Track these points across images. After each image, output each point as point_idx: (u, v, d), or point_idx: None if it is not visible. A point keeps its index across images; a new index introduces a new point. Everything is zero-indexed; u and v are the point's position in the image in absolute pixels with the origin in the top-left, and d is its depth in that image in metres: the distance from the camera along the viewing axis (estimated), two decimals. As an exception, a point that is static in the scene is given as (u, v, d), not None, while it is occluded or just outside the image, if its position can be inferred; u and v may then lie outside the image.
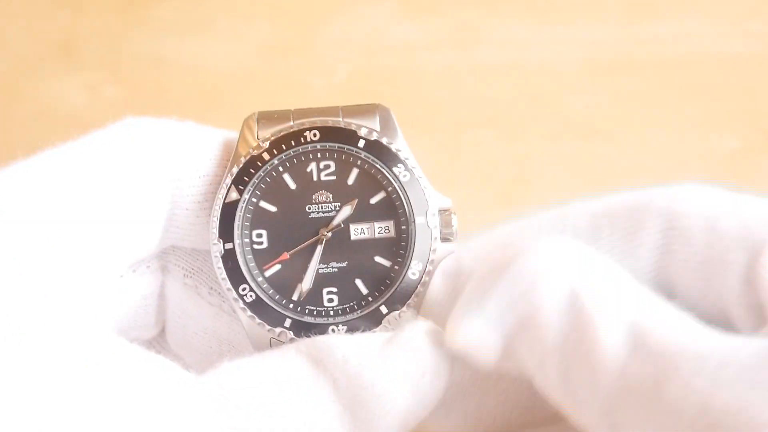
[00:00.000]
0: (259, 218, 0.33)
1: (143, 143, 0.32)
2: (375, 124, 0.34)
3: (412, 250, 0.33)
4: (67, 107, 0.65)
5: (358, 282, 0.33)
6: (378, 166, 0.34)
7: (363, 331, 0.33)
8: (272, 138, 0.33)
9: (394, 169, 0.34)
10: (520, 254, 0.29)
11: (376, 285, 0.33)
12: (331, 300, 0.33)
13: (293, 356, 0.29)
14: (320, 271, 0.33)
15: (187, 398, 0.27)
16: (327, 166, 0.34)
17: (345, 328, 0.33)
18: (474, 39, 0.67)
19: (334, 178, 0.34)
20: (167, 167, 0.32)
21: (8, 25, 0.70)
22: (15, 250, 0.28)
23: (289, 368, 0.28)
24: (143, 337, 0.36)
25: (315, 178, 0.34)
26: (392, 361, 0.29)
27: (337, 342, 0.29)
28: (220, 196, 0.33)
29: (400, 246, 0.34)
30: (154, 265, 0.34)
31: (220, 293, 0.35)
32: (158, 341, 0.37)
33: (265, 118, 0.34)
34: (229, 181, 0.33)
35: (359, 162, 0.34)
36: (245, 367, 0.28)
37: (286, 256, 0.33)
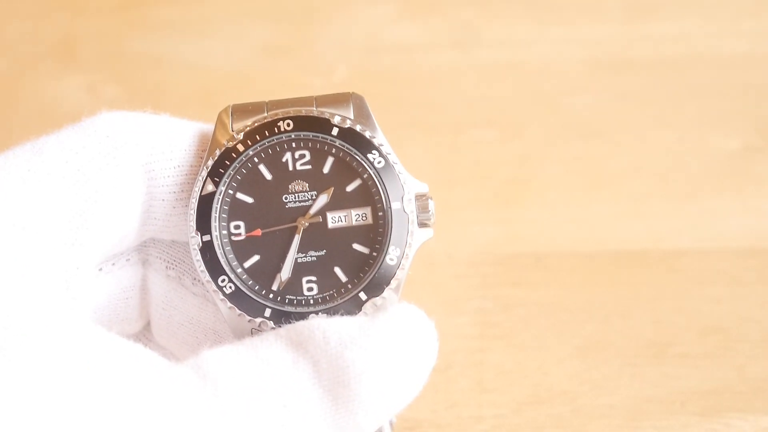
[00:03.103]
0: (236, 210, 0.33)
1: (115, 135, 0.32)
2: (349, 112, 0.34)
3: (389, 236, 0.33)
4: (67, 107, 0.65)
5: (337, 270, 0.33)
6: (353, 153, 0.34)
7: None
8: (246, 129, 0.33)
9: (369, 156, 0.34)
10: None
11: (355, 272, 0.33)
12: (310, 289, 0.33)
13: (273, 340, 0.29)
14: (299, 260, 0.33)
15: (166, 384, 0.27)
16: (302, 156, 0.34)
17: (325, 316, 0.33)
18: (474, 39, 0.67)
19: (309, 167, 0.34)
20: (140, 158, 0.32)
21: (8, 25, 0.70)
22: None
23: (269, 351, 0.28)
24: (127, 331, 0.36)
25: (291, 168, 0.34)
26: (374, 342, 0.29)
27: (317, 324, 0.29)
28: (197, 188, 0.33)
29: (377, 232, 0.34)
30: (134, 258, 0.34)
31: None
32: (144, 335, 0.37)
33: (239, 110, 0.34)
34: (204, 173, 0.33)
35: (334, 150, 0.34)
36: (225, 353, 0.28)
37: (258, 232, 0.33)
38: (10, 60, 0.68)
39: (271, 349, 0.29)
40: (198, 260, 0.33)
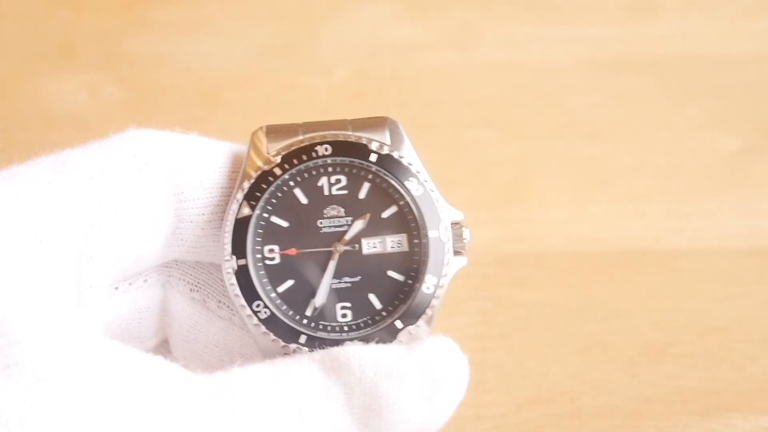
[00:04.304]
0: (270, 233, 0.33)
1: (143, 154, 0.32)
2: (385, 137, 0.34)
3: (426, 265, 0.33)
4: (67, 107, 0.65)
5: (372, 297, 0.33)
6: (390, 180, 0.33)
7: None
8: (284, 153, 0.33)
9: (407, 183, 0.33)
10: None
11: (390, 299, 0.33)
12: (344, 315, 0.33)
13: (306, 363, 0.29)
14: (333, 286, 0.33)
15: (193, 398, 0.27)
16: (338, 180, 0.33)
17: (360, 343, 0.32)
18: (474, 39, 0.67)
19: (345, 192, 0.33)
20: (168, 179, 0.32)
21: (8, 25, 0.70)
22: (7, 256, 0.28)
23: (302, 374, 0.28)
24: (139, 349, 0.36)
25: (326, 192, 0.33)
26: (410, 373, 0.29)
27: (354, 351, 0.29)
28: (232, 211, 0.32)
29: (413, 260, 0.33)
30: (152, 279, 0.34)
31: (229, 306, 0.34)
32: (160, 351, 0.36)
33: (274, 131, 0.34)
34: (240, 196, 0.32)
35: (371, 176, 0.33)
36: (256, 371, 0.28)
37: (294, 251, 0.33)
38: (10, 60, 0.68)
39: (303, 372, 0.28)
40: (232, 284, 0.32)
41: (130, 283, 0.33)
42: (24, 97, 0.66)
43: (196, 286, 0.34)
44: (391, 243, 0.34)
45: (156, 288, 0.34)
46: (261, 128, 0.34)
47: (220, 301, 0.34)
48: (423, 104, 0.64)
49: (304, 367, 0.28)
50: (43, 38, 0.69)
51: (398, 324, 0.33)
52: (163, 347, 0.36)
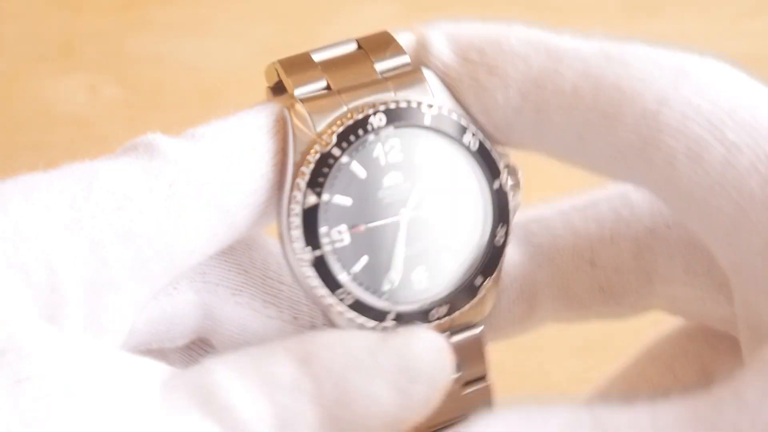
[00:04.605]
0: (336, 215, 0.31)
1: (178, 183, 0.29)
2: (426, 91, 0.32)
3: (494, 217, 0.32)
4: (67, 107, 0.65)
5: (446, 259, 0.32)
6: (446, 139, 0.32)
7: (461, 305, 0.32)
8: (338, 130, 0.31)
9: (463, 140, 0.32)
10: None
11: (463, 258, 0.32)
12: (421, 282, 0.32)
13: (280, 355, 0.28)
14: (406, 254, 0.32)
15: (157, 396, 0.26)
16: (392, 147, 0.32)
17: (447, 307, 0.31)
18: (474, 39, 0.67)
19: (401, 158, 0.32)
20: (209, 200, 0.29)
21: (8, 25, 0.70)
22: (17, 277, 0.27)
23: (272, 367, 0.28)
24: (167, 348, 0.34)
25: (383, 162, 0.32)
26: (381, 366, 0.28)
27: (326, 342, 0.28)
28: (297, 201, 0.30)
29: (479, 215, 0.33)
30: (183, 286, 0.32)
31: (275, 304, 0.33)
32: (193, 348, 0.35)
33: (315, 109, 0.31)
34: (303, 184, 0.30)
35: (425, 138, 0.32)
36: (227, 364, 0.27)
37: (362, 227, 0.31)
38: (10, 60, 0.68)
39: (275, 364, 0.28)
40: (310, 277, 0.30)
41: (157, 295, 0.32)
42: (24, 97, 0.66)
43: (237, 289, 0.33)
44: (456, 202, 0.33)
45: (188, 294, 0.32)
46: (297, 101, 0.32)
47: (264, 300, 0.33)
48: (423, 104, 0.64)
49: (276, 360, 0.28)
50: (43, 38, 0.69)
51: (476, 281, 0.32)
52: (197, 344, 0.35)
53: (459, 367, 0.32)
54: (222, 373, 0.27)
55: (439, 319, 0.31)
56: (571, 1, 0.68)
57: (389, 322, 0.31)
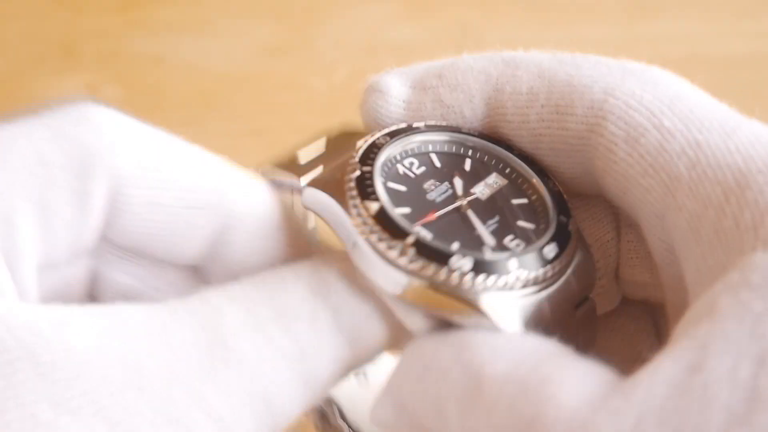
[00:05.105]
0: (395, 196, 0.32)
1: (97, 147, 0.30)
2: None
3: (530, 173, 0.33)
4: (67, 107, 0.65)
5: (521, 223, 0.33)
6: (448, 137, 0.34)
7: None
8: (358, 154, 0.32)
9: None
10: (426, 344, 0.28)
11: (536, 218, 0.33)
12: (518, 244, 0.32)
13: (292, 284, 0.28)
14: (489, 230, 0.32)
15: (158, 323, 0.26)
16: (411, 163, 0.34)
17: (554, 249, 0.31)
18: (474, 39, 0.67)
19: (424, 169, 0.33)
20: (110, 181, 0.30)
21: (8, 25, 0.70)
22: None
23: (287, 300, 0.28)
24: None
25: (412, 175, 0.33)
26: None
27: (337, 272, 0.29)
28: (362, 215, 0.31)
29: (518, 183, 0.33)
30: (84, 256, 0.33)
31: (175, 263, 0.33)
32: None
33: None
34: (357, 200, 0.31)
35: (431, 146, 0.34)
36: (237, 291, 0.28)
37: (433, 215, 0.32)
38: (10, 60, 0.68)
39: (289, 297, 0.28)
40: (425, 266, 0.30)
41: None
42: (24, 97, 0.66)
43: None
44: (492, 180, 0.34)
45: (86, 261, 0.32)
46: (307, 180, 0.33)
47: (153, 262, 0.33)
48: (423, 104, 0.64)
49: (290, 292, 0.28)
50: (43, 38, 0.69)
51: (562, 218, 0.33)
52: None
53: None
54: (231, 314, 0.27)
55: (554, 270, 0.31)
56: (571, 1, 0.68)
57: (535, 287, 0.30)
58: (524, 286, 0.30)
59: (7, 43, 0.69)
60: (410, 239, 0.31)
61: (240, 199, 0.32)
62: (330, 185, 0.32)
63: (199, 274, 0.33)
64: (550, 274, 0.30)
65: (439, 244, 0.31)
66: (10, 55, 0.69)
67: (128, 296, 0.33)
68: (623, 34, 0.67)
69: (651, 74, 0.31)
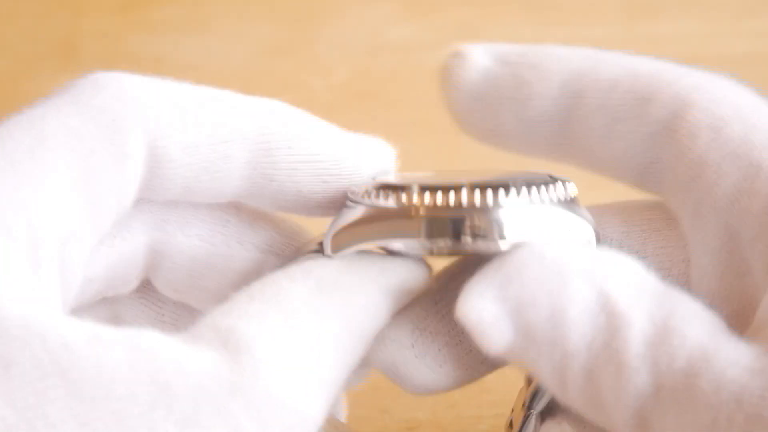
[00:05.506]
0: None
1: (124, 117, 0.30)
2: None
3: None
4: (67, 107, 0.65)
5: None
6: None
7: None
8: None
9: None
10: (550, 247, 0.29)
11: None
12: None
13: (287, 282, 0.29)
14: None
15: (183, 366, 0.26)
16: None
17: None
18: (474, 39, 0.67)
19: None
20: (147, 141, 0.31)
21: (8, 25, 0.70)
22: None
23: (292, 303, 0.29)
24: (122, 293, 0.34)
25: None
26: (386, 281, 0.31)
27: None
28: None
29: None
30: (137, 228, 0.33)
31: (223, 233, 0.34)
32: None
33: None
34: None
35: None
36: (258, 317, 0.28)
37: None
38: (10, 60, 0.68)
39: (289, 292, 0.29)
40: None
41: (115, 236, 0.32)
42: (24, 97, 0.66)
43: (185, 222, 0.33)
44: None
45: (141, 235, 0.33)
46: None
47: (212, 230, 0.34)
48: (423, 104, 0.64)
49: (288, 286, 0.29)
50: (43, 38, 0.69)
51: None
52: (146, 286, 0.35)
53: None
54: (248, 330, 0.27)
55: None
56: (571, 1, 0.68)
57: None
58: None
59: (7, 43, 0.69)
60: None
61: (275, 125, 0.34)
62: None
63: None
64: None
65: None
66: (10, 55, 0.69)
67: (198, 260, 0.33)
68: (623, 34, 0.67)
69: (734, 83, 0.32)
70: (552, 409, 0.33)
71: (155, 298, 0.35)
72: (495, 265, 0.29)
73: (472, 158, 0.61)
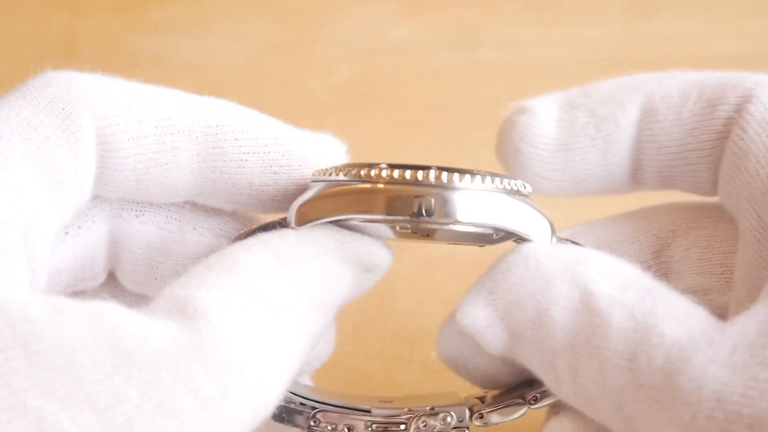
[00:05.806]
0: None
1: (72, 106, 0.31)
2: None
3: None
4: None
5: None
6: None
7: None
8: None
9: None
10: (533, 250, 0.29)
11: None
12: None
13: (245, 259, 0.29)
14: None
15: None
16: None
17: None
18: (474, 39, 0.67)
19: None
20: (94, 131, 0.31)
21: (8, 25, 0.70)
22: None
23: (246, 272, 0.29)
24: (91, 287, 0.35)
25: None
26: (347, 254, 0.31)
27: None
28: None
29: None
30: (100, 216, 0.33)
31: (177, 219, 0.34)
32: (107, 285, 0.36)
33: None
34: None
35: None
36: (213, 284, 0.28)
37: None
38: (10, 60, 0.68)
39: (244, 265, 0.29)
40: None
41: (80, 226, 0.33)
42: (24, 97, 0.66)
43: (140, 210, 0.34)
44: None
45: (104, 225, 0.34)
46: None
47: (167, 217, 0.34)
48: (423, 104, 0.64)
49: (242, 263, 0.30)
50: (43, 38, 0.69)
51: None
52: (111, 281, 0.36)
53: None
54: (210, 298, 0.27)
55: None
56: (571, 1, 0.68)
57: None
58: None
59: (7, 43, 0.69)
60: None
61: (222, 118, 0.34)
62: None
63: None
64: None
65: None
66: (10, 55, 0.69)
67: (154, 247, 0.34)
68: (623, 34, 0.67)
69: None
70: (556, 407, 0.33)
71: (121, 295, 0.36)
72: (487, 272, 0.30)
73: (471, 159, 0.61)
